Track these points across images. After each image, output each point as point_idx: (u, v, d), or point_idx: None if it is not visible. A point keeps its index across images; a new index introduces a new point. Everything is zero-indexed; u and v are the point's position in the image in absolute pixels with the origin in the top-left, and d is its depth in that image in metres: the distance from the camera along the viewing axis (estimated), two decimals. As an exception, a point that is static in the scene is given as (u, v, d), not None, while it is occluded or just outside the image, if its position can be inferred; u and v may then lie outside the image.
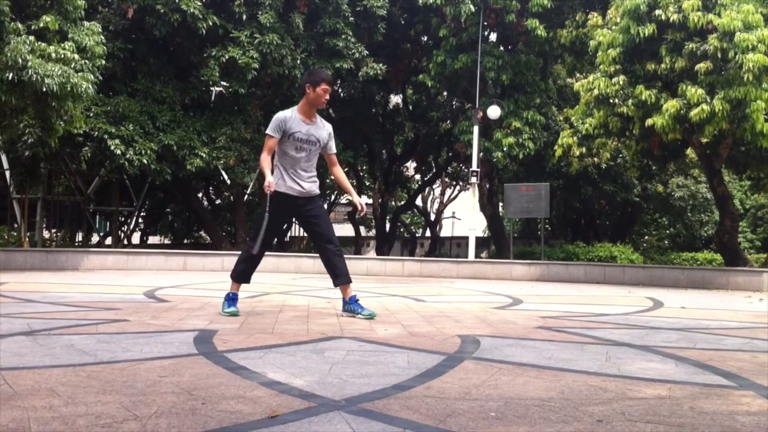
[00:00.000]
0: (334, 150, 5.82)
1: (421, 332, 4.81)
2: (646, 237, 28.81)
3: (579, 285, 12.89)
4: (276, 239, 5.99)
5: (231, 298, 5.72)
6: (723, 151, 14.59)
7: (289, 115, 5.57)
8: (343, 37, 16.71)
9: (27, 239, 16.49)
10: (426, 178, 29.50)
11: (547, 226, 24.33)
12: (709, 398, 2.92)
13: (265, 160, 5.54)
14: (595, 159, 18.39)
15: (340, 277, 5.71)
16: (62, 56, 11.35)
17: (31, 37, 11.18)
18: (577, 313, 6.81)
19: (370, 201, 29.73)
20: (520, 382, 3.16)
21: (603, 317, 6.45)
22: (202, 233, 26.05)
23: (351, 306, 5.68)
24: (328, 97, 5.62)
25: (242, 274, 5.84)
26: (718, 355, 4.16)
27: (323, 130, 5.71)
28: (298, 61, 16.30)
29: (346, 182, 5.97)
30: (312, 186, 5.68)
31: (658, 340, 4.74)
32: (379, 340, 4.36)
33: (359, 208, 5.81)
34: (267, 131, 5.58)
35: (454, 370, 3.41)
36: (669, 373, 3.52)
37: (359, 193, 27.33)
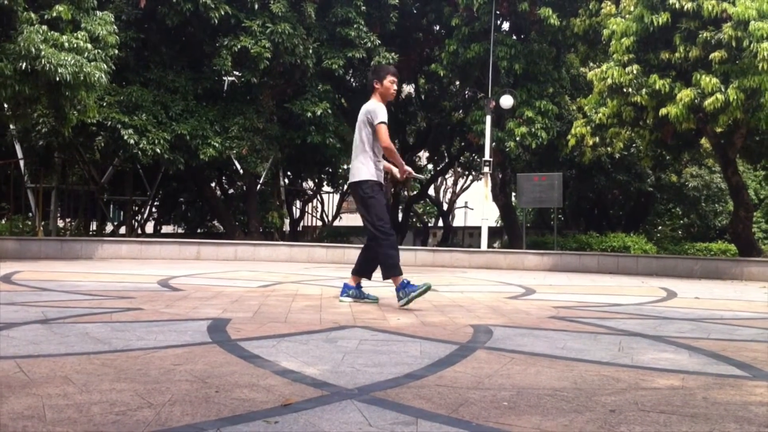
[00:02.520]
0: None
1: (433, 322, 4.81)
2: (660, 227, 28.63)
3: (592, 275, 12.86)
4: None
5: (404, 285, 5.69)
6: (737, 140, 14.50)
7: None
8: (355, 26, 16.66)
9: (41, 228, 16.55)
10: (438, 168, 29.41)
11: (559, 216, 24.28)
12: (722, 388, 2.91)
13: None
14: (609, 149, 18.28)
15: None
16: (75, 46, 11.37)
17: (44, 27, 11.19)
18: (590, 303, 6.80)
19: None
20: (532, 371, 3.16)
21: (616, 307, 6.43)
22: (216, 223, 26.08)
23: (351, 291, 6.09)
24: (396, 87, 5.90)
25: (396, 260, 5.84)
26: (731, 345, 4.14)
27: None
28: (311, 51, 16.28)
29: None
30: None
31: (672, 331, 4.73)
32: (392, 329, 4.37)
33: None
34: (383, 119, 5.75)
35: (467, 359, 3.42)
36: (682, 363, 3.52)
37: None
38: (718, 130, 13.70)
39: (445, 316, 5.15)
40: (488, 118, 16.62)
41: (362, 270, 6.06)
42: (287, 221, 22.68)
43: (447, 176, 34.57)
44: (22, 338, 3.63)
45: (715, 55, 12.20)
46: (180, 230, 27.54)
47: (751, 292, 9.36)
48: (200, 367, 3.00)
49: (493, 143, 17.10)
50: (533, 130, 17.04)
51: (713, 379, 3.13)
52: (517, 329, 4.58)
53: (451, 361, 3.36)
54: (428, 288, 5.66)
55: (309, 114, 16.31)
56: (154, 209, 25.29)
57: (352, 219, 22.51)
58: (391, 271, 5.67)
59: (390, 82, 5.82)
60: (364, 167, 5.76)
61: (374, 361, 3.26)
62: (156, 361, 3.13)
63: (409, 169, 6.10)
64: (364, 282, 6.17)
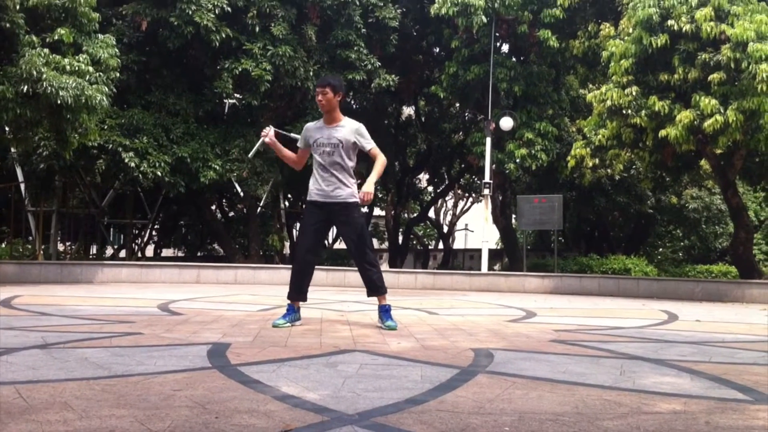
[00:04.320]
0: (368, 147, 5.83)
1: (434, 345, 4.80)
2: (661, 249, 28.61)
3: (593, 298, 12.83)
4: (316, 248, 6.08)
5: (288, 311, 5.95)
6: (737, 162, 14.52)
7: (311, 125, 5.93)
8: (355, 48, 16.75)
9: (42, 252, 16.56)
10: (439, 190, 29.46)
11: (560, 238, 24.27)
12: (724, 412, 2.90)
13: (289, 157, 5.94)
14: (609, 170, 18.32)
15: (370, 290, 5.96)
16: (77, 69, 11.41)
17: (46, 50, 11.25)
18: (591, 327, 6.78)
19: (383, 213, 29.71)
20: (534, 396, 3.14)
21: (617, 330, 6.41)
22: (216, 246, 26.10)
23: (380, 314, 5.94)
24: (319, 97, 5.75)
25: (291, 287, 6.03)
26: (733, 368, 4.13)
27: (345, 129, 5.78)
28: (311, 73, 16.35)
29: (374, 169, 5.90)
30: (340, 191, 5.74)
31: (673, 354, 4.71)
32: (393, 353, 4.35)
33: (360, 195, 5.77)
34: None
35: (468, 384, 3.40)
36: (684, 387, 3.50)
37: (373, 205, 27.29)
38: (718, 151, 13.73)
39: (446, 340, 5.13)
40: (488, 140, 16.66)
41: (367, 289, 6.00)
42: (287, 244, 22.68)
43: (447, 198, 34.61)
44: (22, 363, 3.62)
45: (714, 77, 12.26)
46: (180, 253, 27.56)
47: (752, 314, 9.33)
48: (200, 393, 2.99)
49: (493, 165, 17.13)
50: (533, 151, 17.08)
51: (715, 403, 3.11)
52: (518, 353, 4.56)
53: (453, 385, 3.34)
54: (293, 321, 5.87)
55: (310, 136, 16.32)
56: (154, 232, 25.33)
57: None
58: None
59: (316, 94, 5.83)
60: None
61: (375, 386, 3.25)
62: (156, 386, 3.11)
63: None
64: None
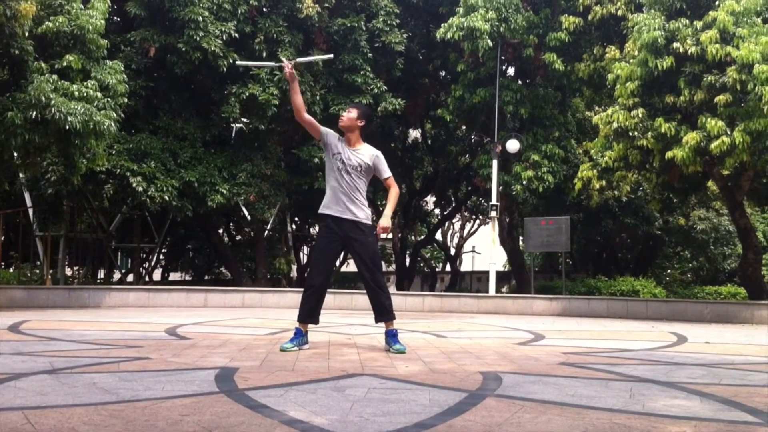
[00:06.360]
0: (386, 175, 5.95)
1: (442, 369, 4.78)
2: (669, 270, 28.52)
3: (601, 320, 12.78)
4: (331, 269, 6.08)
5: (296, 334, 5.89)
6: (744, 183, 14.50)
7: (337, 134, 5.96)
8: (361, 72, 16.84)
9: (49, 277, 16.57)
10: (446, 212, 29.46)
11: (568, 260, 24.22)
12: (735, 436, 2.88)
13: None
14: (616, 192, 18.32)
15: (379, 314, 5.93)
16: (85, 94, 11.49)
17: (55, 76, 11.34)
18: (600, 349, 6.75)
19: (390, 236, 29.73)
20: (543, 420, 3.12)
21: (626, 353, 6.38)
22: (223, 269, 26.11)
23: (387, 338, 5.92)
24: (343, 114, 6.00)
25: (302, 309, 5.93)
26: (743, 390, 4.10)
27: (365, 154, 5.88)
28: (318, 97, 16.42)
29: (390, 202, 6.07)
30: (356, 211, 5.79)
31: (683, 376, 4.69)
32: (401, 377, 4.33)
33: (377, 228, 5.85)
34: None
35: (476, 407, 3.38)
36: (694, 409, 3.48)
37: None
38: (725, 172, 13.72)
39: (454, 363, 5.11)
40: (495, 163, 16.68)
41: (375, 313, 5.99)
42: (295, 267, 22.67)
43: (454, 221, 34.61)
44: (30, 389, 3.62)
45: (720, 99, 12.27)
46: (187, 277, 27.56)
47: (761, 336, 9.28)
48: (208, 418, 2.98)
49: (500, 187, 17.13)
50: (540, 173, 17.09)
51: (725, 425, 3.09)
52: (526, 376, 4.54)
53: (461, 409, 3.33)
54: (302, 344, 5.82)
55: (316, 160, 16.40)
56: (161, 256, 25.35)
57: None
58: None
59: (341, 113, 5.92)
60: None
61: (383, 410, 3.23)
62: (163, 411, 3.11)
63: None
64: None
